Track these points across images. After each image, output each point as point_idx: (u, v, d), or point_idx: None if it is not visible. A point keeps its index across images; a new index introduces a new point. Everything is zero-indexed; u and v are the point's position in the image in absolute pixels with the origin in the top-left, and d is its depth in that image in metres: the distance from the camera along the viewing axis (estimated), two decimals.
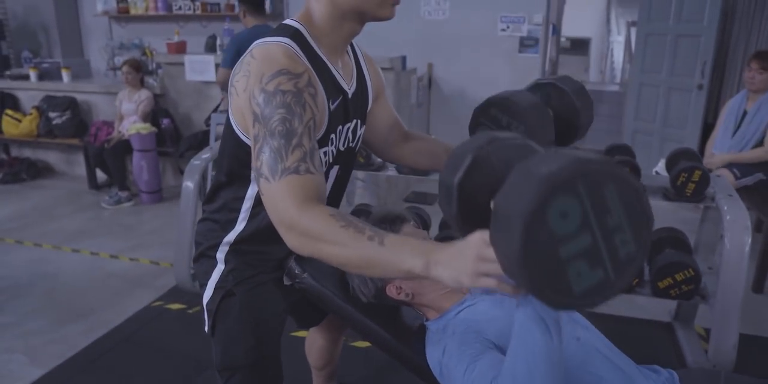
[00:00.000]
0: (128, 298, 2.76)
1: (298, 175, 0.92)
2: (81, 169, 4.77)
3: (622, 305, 2.61)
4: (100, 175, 4.62)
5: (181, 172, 4.31)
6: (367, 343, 2.31)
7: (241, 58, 1.03)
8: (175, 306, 2.67)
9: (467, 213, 0.81)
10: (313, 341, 1.71)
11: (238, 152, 1.10)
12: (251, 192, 1.14)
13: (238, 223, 1.17)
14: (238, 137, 1.07)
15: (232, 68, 1.05)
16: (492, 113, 1.16)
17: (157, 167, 4.29)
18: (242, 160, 1.10)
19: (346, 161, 1.20)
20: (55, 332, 2.45)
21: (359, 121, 1.20)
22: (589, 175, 0.67)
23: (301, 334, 2.16)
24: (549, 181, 0.65)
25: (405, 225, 1.19)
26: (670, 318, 2.50)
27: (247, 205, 1.16)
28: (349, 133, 1.18)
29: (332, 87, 1.08)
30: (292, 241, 0.92)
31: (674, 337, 2.36)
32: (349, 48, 1.17)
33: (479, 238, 0.78)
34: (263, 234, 1.16)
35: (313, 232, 0.88)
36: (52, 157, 5.16)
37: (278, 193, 0.92)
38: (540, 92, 1.24)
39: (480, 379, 0.95)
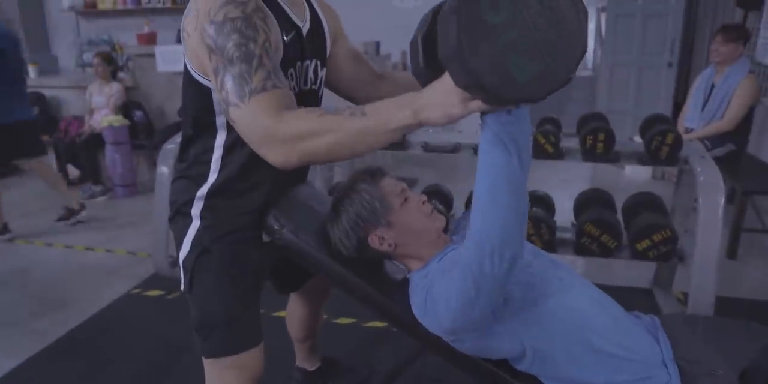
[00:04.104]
0: (105, 288, 2.70)
1: (266, 92, 0.91)
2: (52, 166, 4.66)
3: (601, 273, 2.63)
4: (73, 173, 4.51)
5: (156, 165, 4.25)
6: (350, 320, 2.30)
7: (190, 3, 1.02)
8: (154, 293, 2.63)
9: (434, 64, 0.83)
10: (294, 312, 1.69)
11: (200, 98, 1.09)
12: (219, 141, 1.13)
13: (210, 175, 1.16)
14: (198, 82, 1.06)
15: None
16: None
17: (131, 160, 4.22)
18: (206, 106, 1.09)
19: (309, 105, 1.16)
20: (30, 324, 2.39)
21: (319, 62, 1.20)
22: None
23: (283, 314, 2.14)
24: None
25: (385, 177, 1.17)
26: (649, 284, 2.53)
27: (216, 154, 1.14)
28: (310, 74, 1.17)
29: (284, 20, 1.07)
30: (276, 155, 0.90)
31: (653, 301, 2.40)
32: None
33: None
34: (233, 183, 1.16)
35: (294, 133, 0.88)
36: None
37: (250, 113, 0.90)
38: None
39: (458, 278, 0.96)
